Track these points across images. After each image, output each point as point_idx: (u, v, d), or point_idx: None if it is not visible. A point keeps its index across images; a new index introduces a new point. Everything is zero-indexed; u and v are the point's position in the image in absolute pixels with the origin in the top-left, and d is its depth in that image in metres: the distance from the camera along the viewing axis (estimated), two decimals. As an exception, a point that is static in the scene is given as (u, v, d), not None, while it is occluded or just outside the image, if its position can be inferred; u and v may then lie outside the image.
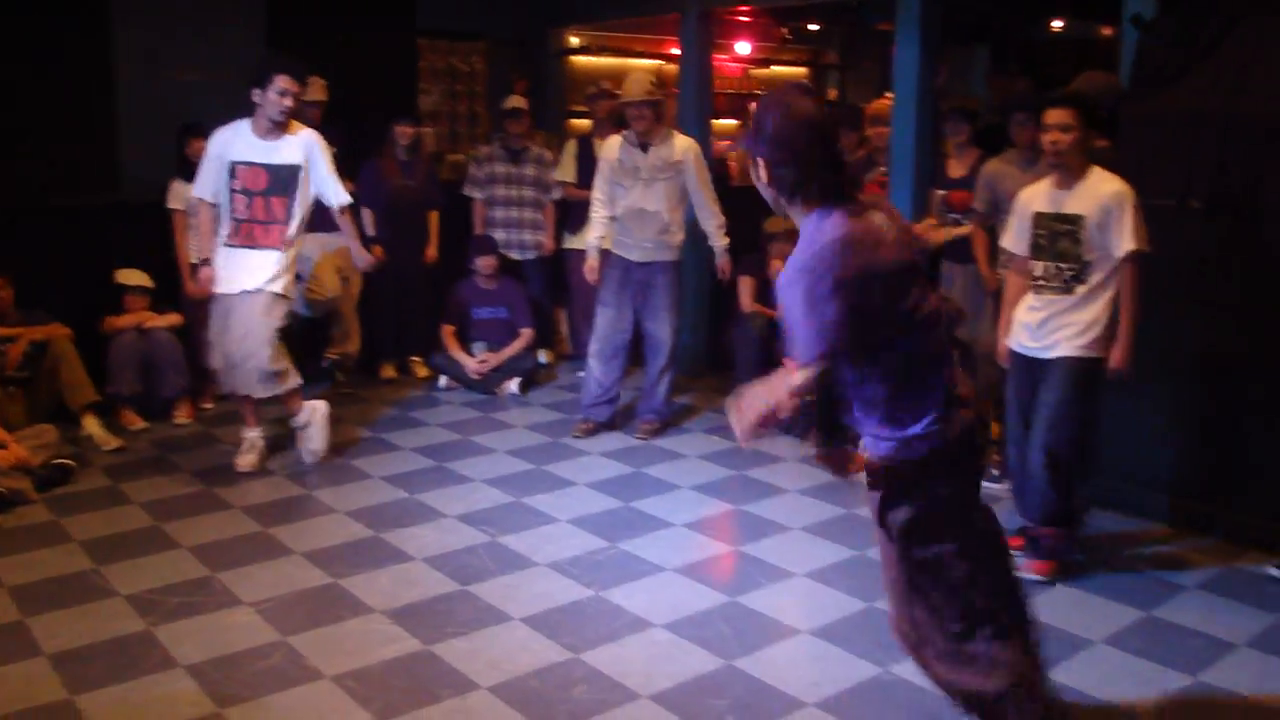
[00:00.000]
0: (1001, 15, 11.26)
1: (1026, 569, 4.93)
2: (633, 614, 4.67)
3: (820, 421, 3.39)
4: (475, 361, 8.10)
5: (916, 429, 3.24)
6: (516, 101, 8.56)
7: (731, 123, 12.58)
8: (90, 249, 7.31)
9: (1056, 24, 12.04)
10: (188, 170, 6.81)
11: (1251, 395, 5.36)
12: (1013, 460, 5.30)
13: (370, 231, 8.13)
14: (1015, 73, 9.11)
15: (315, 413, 6.50)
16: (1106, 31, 10.91)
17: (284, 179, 6.15)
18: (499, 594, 4.84)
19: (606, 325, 7.15)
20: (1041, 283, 4.95)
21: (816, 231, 3.11)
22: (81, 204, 7.53)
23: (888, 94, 7.58)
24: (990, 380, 6.48)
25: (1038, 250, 4.95)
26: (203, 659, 4.24)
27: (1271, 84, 5.20)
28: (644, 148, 6.85)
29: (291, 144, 6.18)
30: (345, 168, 7.66)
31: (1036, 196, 5.01)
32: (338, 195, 6.37)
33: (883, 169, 7.27)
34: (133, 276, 7.17)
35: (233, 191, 6.12)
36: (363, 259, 6.68)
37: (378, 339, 8.43)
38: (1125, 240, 4.75)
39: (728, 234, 7.01)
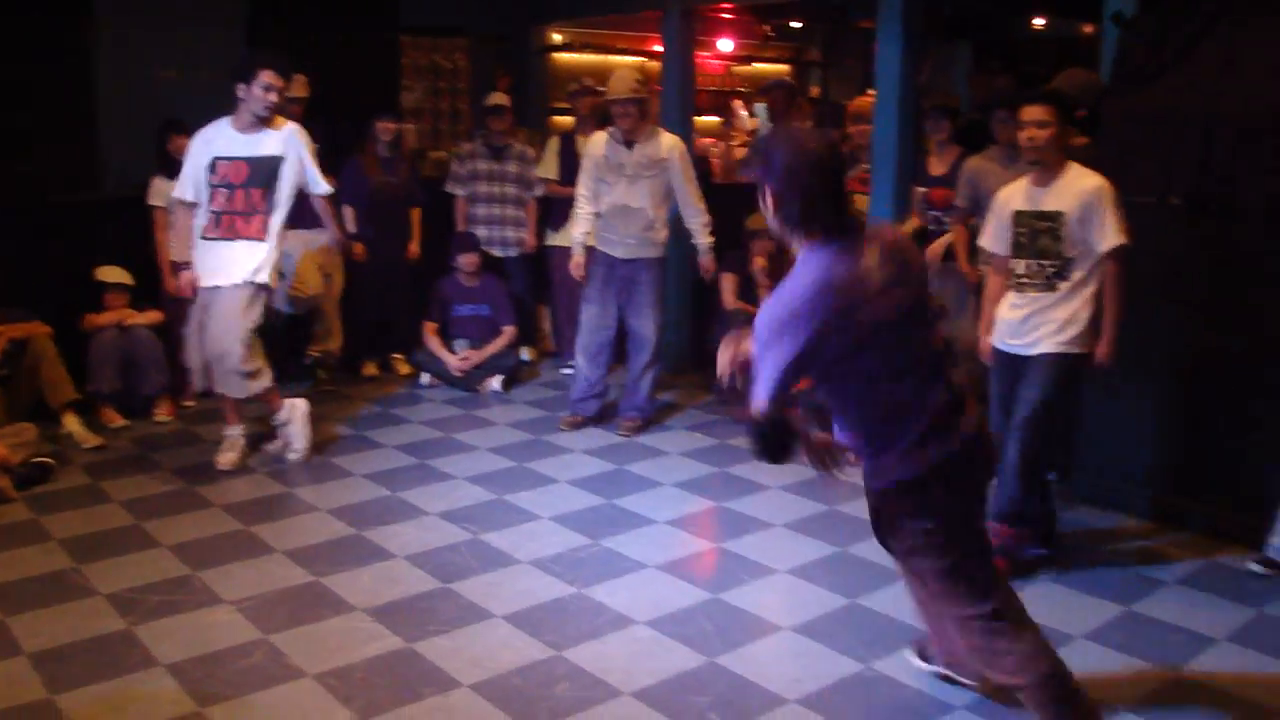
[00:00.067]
0: (983, 13, 11.30)
1: None
2: (615, 611, 4.67)
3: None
4: (457, 359, 8.08)
5: (893, 459, 3.36)
6: (499, 98, 8.55)
7: (714, 120, 12.59)
8: (70, 246, 7.28)
9: (1038, 22, 12.09)
10: (169, 167, 6.80)
11: (1229, 391, 5.39)
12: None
13: (352, 229, 8.11)
14: (997, 70, 9.14)
15: (295, 410, 6.49)
16: (1087, 29, 10.94)
17: (265, 171, 6.14)
18: (481, 591, 4.83)
19: (591, 322, 7.15)
20: (1024, 281, 4.96)
21: (803, 266, 3.25)
22: (62, 201, 7.49)
23: (870, 91, 7.58)
24: (972, 377, 6.50)
25: (1019, 249, 4.96)
26: (184, 658, 4.23)
27: (1251, 82, 5.22)
28: (629, 145, 6.85)
29: (273, 137, 6.17)
30: (327, 165, 7.65)
31: (1015, 195, 5.02)
32: (321, 185, 6.40)
33: (865, 166, 7.28)
34: (113, 274, 7.13)
35: (212, 186, 6.11)
36: (338, 241, 6.68)
37: (360, 336, 8.41)
38: (1108, 236, 4.76)
39: (712, 233, 7.01)
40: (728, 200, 8.17)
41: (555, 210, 8.46)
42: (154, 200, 7.18)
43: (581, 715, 3.88)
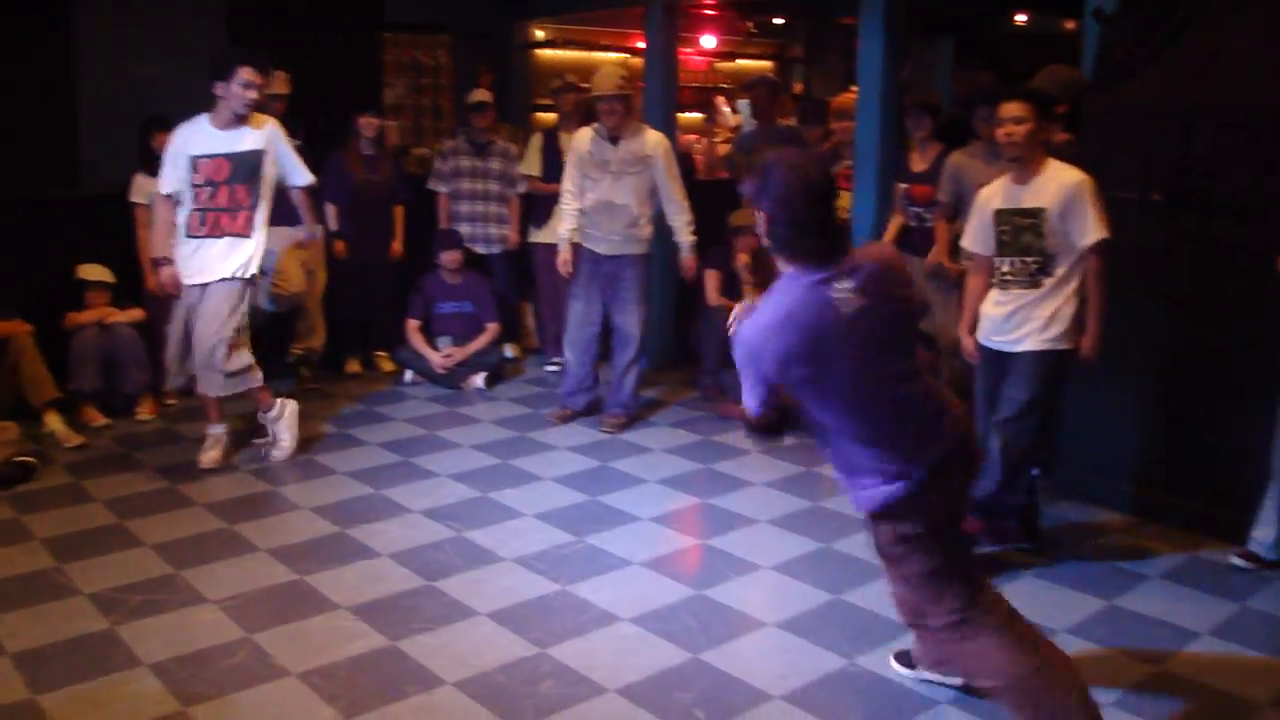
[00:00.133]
0: (965, 9, 11.32)
1: None
2: (599, 608, 4.67)
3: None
4: (440, 356, 8.07)
5: (872, 483, 3.44)
6: (481, 95, 8.53)
7: (697, 116, 12.59)
8: (51, 244, 7.24)
9: (1020, 18, 12.11)
10: (150, 164, 6.77)
11: (1211, 386, 5.41)
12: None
13: (334, 226, 8.10)
14: (979, 67, 9.16)
15: (286, 408, 6.50)
16: (1069, 25, 10.96)
17: (247, 166, 6.13)
18: (465, 589, 4.83)
19: (576, 318, 7.17)
20: (1008, 278, 4.96)
21: (778, 293, 3.38)
22: (42, 199, 7.45)
23: (853, 87, 7.59)
24: (956, 374, 6.52)
25: (1002, 247, 4.97)
26: (167, 657, 4.22)
27: (1232, 76, 5.24)
28: (614, 141, 6.85)
29: (253, 133, 6.15)
30: (309, 162, 7.64)
31: (995, 194, 5.03)
32: (303, 176, 6.42)
33: (848, 162, 7.28)
34: (94, 272, 7.10)
35: (194, 186, 6.07)
36: (312, 234, 6.67)
37: (342, 334, 8.40)
38: (1089, 230, 4.77)
39: (695, 231, 7.01)
40: (711, 197, 8.17)
41: (538, 207, 8.45)
42: (136, 197, 7.16)
43: (566, 712, 3.88)
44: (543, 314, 8.77)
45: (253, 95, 6.03)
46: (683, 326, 8.48)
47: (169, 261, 6.13)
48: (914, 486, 3.37)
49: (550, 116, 9.70)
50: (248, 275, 6.18)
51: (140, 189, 7.09)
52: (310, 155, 7.65)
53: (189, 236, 6.11)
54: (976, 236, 5.13)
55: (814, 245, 3.34)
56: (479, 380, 8.07)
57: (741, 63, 13.63)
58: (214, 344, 6.06)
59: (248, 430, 6.78)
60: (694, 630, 4.48)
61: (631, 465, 6.47)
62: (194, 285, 6.12)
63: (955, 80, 10.74)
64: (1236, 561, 5.09)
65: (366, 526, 5.52)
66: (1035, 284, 4.88)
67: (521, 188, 8.53)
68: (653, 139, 6.91)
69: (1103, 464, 5.81)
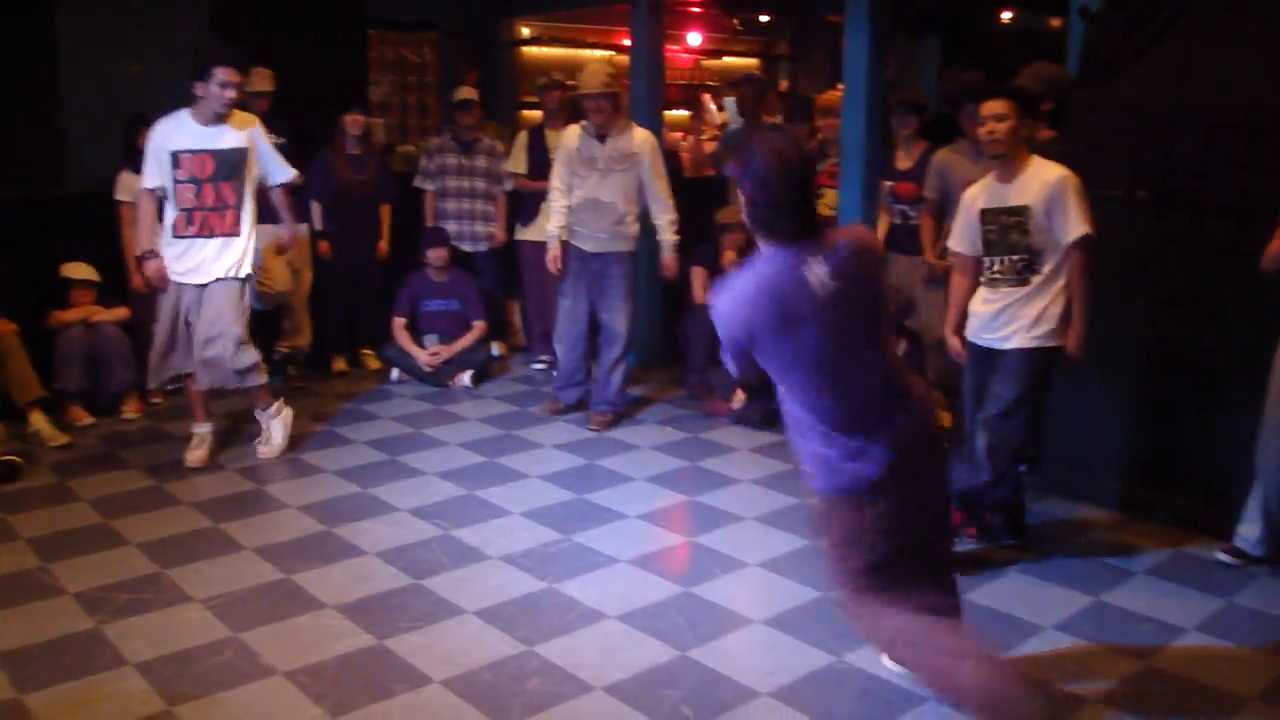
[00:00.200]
0: (952, 7, 11.33)
1: None
2: (586, 606, 4.67)
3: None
4: (427, 354, 8.07)
5: (826, 467, 3.55)
6: (467, 93, 8.52)
7: (683, 114, 12.58)
8: (36, 242, 7.20)
9: (1006, 16, 12.13)
10: (136, 162, 6.72)
11: (1197, 383, 5.42)
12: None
13: (319, 225, 8.09)
14: (966, 64, 9.17)
15: (283, 410, 6.56)
16: (1055, 23, 10.99)
17: (231, 163, 6.11)
18: (452, 587, 4.82)
19: (564, 315, 7.20)
20: (997, 277, 4.97)
21: (752, 270, 3.51)
22: (27, 196, 7.42)
23: (839, 85, 7.60)
24: (941, 370, 6.54)
25: (989, 246, 4.97)
26: (153, 656, 4.21)
27: (1217, 75, 5.26)
28: (601, 139, 6.86)
29: (235, 131, 6.14)
30: (294, 160, 7.61)
31: (980, 195, 5.04)
32: (284, 173, 6.42)
33: (834, 160, 7.29)
34: (79, 270, 7.07)
35: (178, 182, 6.04)
36: (292, 234, 6.66)
37: (329, 332, 8.38)
38: (1073, 226, 4.77)
39: (679, 231, 7.00)
40: (697, 194, 8.18)
41: (524, 205, 8.44)
42: (121, 195, 7.13)
43: (553, 710, 3.88)
44: (529, 312, 8.77)
45: (231, 94, 6.01)
46: (670, 324, 8.48)
47: (154, 255, 6.10)
48: (879, 469, 3.44)
49: (536, 114, 9.69)
50: (243, 275, 6.19)
51: (126, 186, 7.06)
52: (296, 153, 7.65)
53: (177, 237, 6.09)
54: (962, 237, 5.14)
55: (792, 225, 3.45)
56: (466, 378, 8.06)
57: (728, 60, 13.62)
58: (223, 343, 6.10)
59: (234, 429, 6.76)
60: (681, 628, 4.48)
61: (618, 463, 6.46)
62: (190, 285, 6.12)
63: (942, 78, 10.74)
64: (1222, 558, 5.10)
65: (353, 525, 5.51)
66: (1023, 281, 4.89)
67: (508, 185, 8.52)
68: (640, 137, 6.91)
69: (1089, 461, 5.82)
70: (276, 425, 6.52)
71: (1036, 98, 5.16)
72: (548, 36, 11.88)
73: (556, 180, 7.05)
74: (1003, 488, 5.06)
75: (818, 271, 3.40)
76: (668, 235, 6.99)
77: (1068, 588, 4.87)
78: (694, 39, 13.05)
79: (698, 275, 7.67)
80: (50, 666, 4.13)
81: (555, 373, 7.54)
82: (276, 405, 6.53)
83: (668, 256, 7.04)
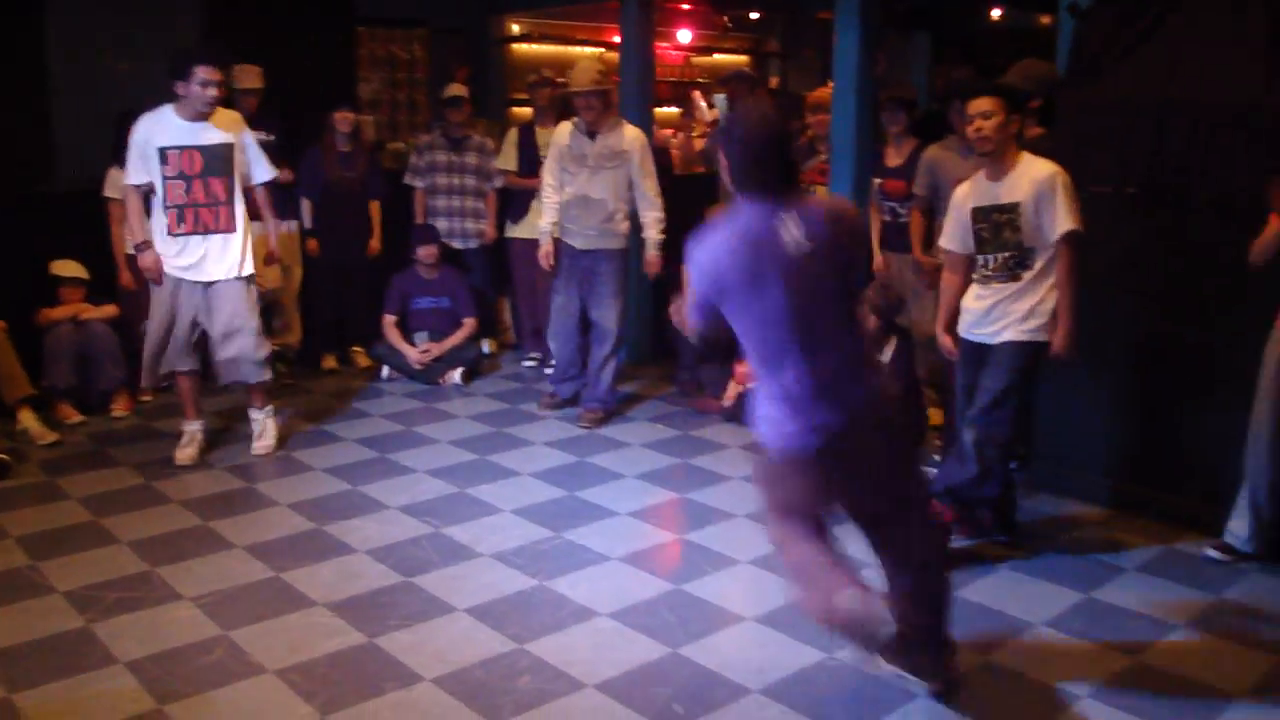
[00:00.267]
0: (942, 4, 11.34)
1: None
2: (577, 603, 4.67)
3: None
4: (417, 351, 8.06)
5: (770, 422, 3.67)
6: (457, 90, 8.52)
7: (674, 111, 12.58)
8: (24, 240, 7.19)
9: (996, 13, 12.14)
10: (125, 159, 6.71)
11: (1186, 380, 5.43)
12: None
13: (308, 223, 8.08)
14: (956, 61, 9.18)
15: (274, 411, 6.56)
16: (1045, 20, 11.00)
17: (219, 158, 6.09)
18: (443, 585, 4.82)
19: (557, 311, 7.24)
20: (989, 274, 4.98)
21: (726, 222, 3.64)
22: (15, 194, 7.40)
23: (830, 82, 7.60)
24: (930, 366, 6.54)
25: (982, 244, 4.98)
26: (143, 655, 4.20)
27: (1206, 72, 5.26)
28: (591, 136, 6.86)
29: (220, 126, 6.12)
30: (284, 157, 7.61)
31: (970, 193, 5.04)
32: (267, 172, 6.42)
33: (823, 156, 7.29)
34: (68, 268, 7.06)
35: (166, 179, 6.01)
36: (275, 232, 6.67)
37: (319, 329, 8.37)
38: (1060, 221, 4.77)
39: (665, 230, 7.00)
40: (688, 191, 8.17)
41: (515, 202, 8.44)
42: (110, 192, 7.11)
43: (544, 708, 3.88)
44: (519, 309, 8.77)
45: (213, 92, 5.98)
46: (661, 321, 8.48)
47: (148, 245, 6.08)
48: (822, 439, 3.56)
49: (526, 111, 9.67)
50: (247, 274, 6.23)
51: (114, 183, 7.04)
52: (285, 150, 7.64)
53: (172, 235, 6.06)
54: (953, 235, 5.14)
55: (772, 183, 3.57)
56: (456, 376, 8.05)
57: (718, 57, 13.64)
58: (244, 338, 6.19)
59: (223, 427, 6.75)
60: (672, 625, 4.48)
61: (609, 460, 6.46)
62: (191, 281, 6.12)
63: (934, 75, 10.75)
64: (1212, 554, 5.12)
65: (344, 523, 5.50)
66: (1014, 277, 4.90)
67: (498, 182, 8.50)
68: (630, 134, 6.92)
69: (1079, 458, 5.83)
70: (271, 424, 6.54)
71: (1024, 95, 5.16)
72: (538, 33, 11.88)
73: (548, 177, 7.06)
74: (991, 484, 5.05)
75: (792, 230, 3.52)
76: (652, 233, 6.99)
77: (1058, 584, 4.88)
78: (684, 36, 13.06)
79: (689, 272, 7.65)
80: (40, 665, 4.12)
81: (548, 369, 7.57)
82: (270, 406, 6.56)
83: (651, 255, 7.03)
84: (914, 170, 6.48)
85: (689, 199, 7.80)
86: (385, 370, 8.19)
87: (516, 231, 8.41)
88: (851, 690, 4.03)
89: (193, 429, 6.39)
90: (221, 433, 6.73)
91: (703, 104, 12.46)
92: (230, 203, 6.13)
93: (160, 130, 6.00)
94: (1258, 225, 4.77)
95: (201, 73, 5.91)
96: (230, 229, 6.13)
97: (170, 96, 6.03)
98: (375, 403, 7.61)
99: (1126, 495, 5.67)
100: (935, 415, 6.80)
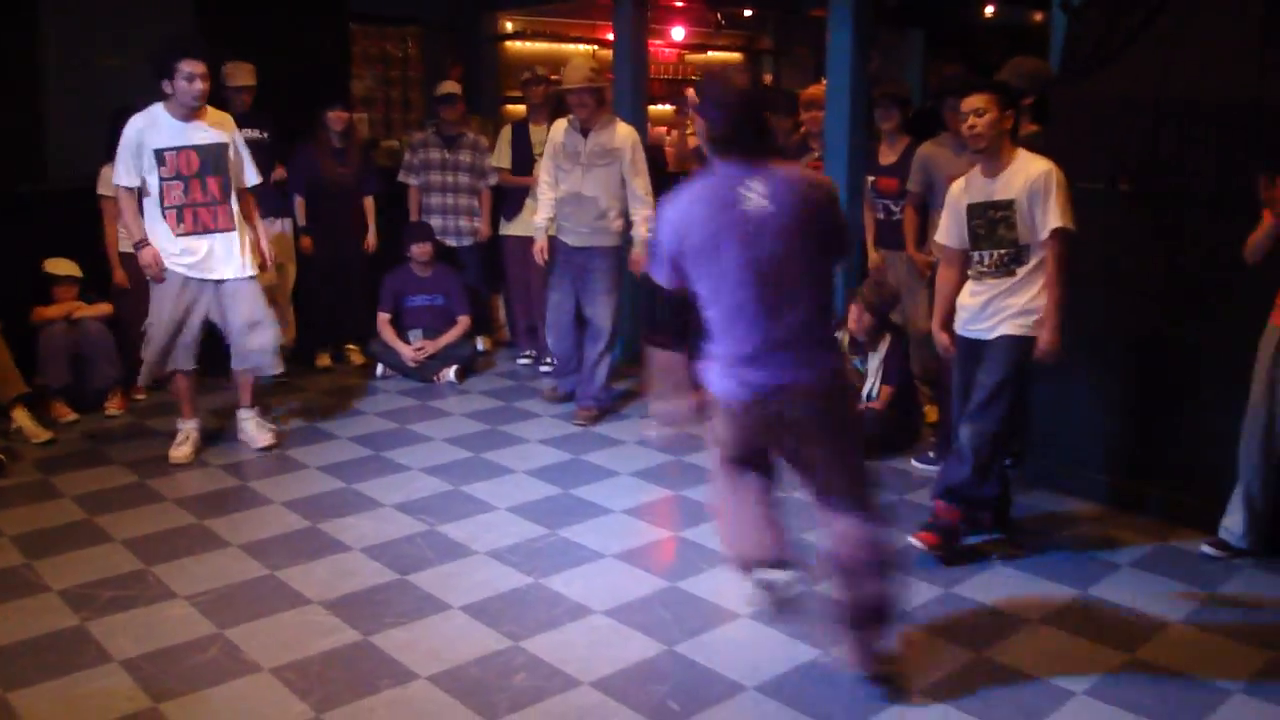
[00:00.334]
0: (935, 1, 11.36)
1: (914, 537, 5.00)
2: (572, 601, 4.67)
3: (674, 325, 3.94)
4: (412, 349, 8.05)
5: (712, 368, 3.80)
6: (450, 87, 8.51)
7: (667, 108, 12.58)
8: (17, 238, 7.17)
9: (989, 10, 12.16)
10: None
11: (1182, 376, 5.44)
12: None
13: (301, 221, 8.07)
14: (949, 59, 9.18)
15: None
16: (1038, 17, 11.02)
17: (215, 157, 6.09)
18: (438, 583, 4.82)
19: (553, 308, 7.27)
20: (984, 270, 4.98)
21: (697, 180, 3.76)
22: (8, 192, 7.38)
23: (823, 79, 7.61)
24: (925, 364, 6.55)
25: (977, 240, 4.97)
26: (138, 653, 4.20)
27: (1199, 68, 5.27)
28: (585, 133, 6.87)
29: (212, 125, 6.12)
30: (277, 155, 7.60)
31: (966, 189, 5.04)
32: (254, 176, 6.41)
33: (817, 153, 7.29)
34: (61, 266, 7.04)
35: (164, 180, 6.00)
36: (262, 234, 6.66)
37: (313, 327, 8.36)
38: (1050, 218, 4.76)
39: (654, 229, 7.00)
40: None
41: (508, 200, 8.43)
42: (104, 190, 7.08)
43: (540, 705, 3.88)
44: (514, 306, 8.76)
45: (199, 85, 5.95)
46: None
47: (147, 243, 6.06)
48: (747, 391, 3.70)
49: (520, 109, 9.67)
50: (253, 272, 6.27)
51: (108, 181, 7.01)
52: (279, 148, 7.64)
53: (174, 236, 6.06)
54: (949, 231, 5.14)
55: (744, 146, 3.66)
56: (451, 373, 8.05)
57: (711, 55, 13.65)
58: (264, 330, 6.27)
59: (218, 425, 6.75)
60: (667, 622, 4.48)
61: (604, 458, 6.46)
62: (200, 279, 6.13)
63: (927, 72, 10.76)
64: (1207, 550, 5.12)
65: (338, 521, 5.50)
66: (1009, 272, 4.90)
67: (492, 180, 8.50)
68: (622, 132, 6.92)
69: (1074, 454, 5.84)
70: (264, 420, 6.59)
71: (1017, 91, 5.16)
72: (531, 31, 11.88)
73: (544, 174, 7.08)
74: (991, 483, 5.05)
75: (757, 190, 3.60)
76: (642, 231, 6.98)
77: (1053, 581, 4.88)
78: (678, 33, 13.08)
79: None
80: (35, 664, 4.12)
81: (542, 366, 7.73)
82: (258, 403, 6.62)
83: (636, 251, 7.03)
84: (907, 168, 6.50)
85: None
86: (380, 368, 8.18)
87: (510, 229, 8.41)
88: (847, 687, 4.02)
89: (188, 427, 6.38)
90: (215, 431, 6.71)
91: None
92: (226, 201, 6.13)
93: (154, 132, 5.99)
94: (1252, 222, 4.78)
95: (185, 67, 5.88)
96: (229, 227, 6.14)
97: (161, 95, 6.01)
98: (370, 400, 7.60)
99: (1122, 492, 5.68)
100: (931, 412, 6.81)
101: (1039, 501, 5.77)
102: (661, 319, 3.92)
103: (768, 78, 13.77)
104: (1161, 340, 5.48)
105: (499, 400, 7.61)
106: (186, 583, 4.80)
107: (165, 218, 6.03)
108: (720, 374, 3.77)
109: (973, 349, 5.07)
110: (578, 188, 6.89)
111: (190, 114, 6.01)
